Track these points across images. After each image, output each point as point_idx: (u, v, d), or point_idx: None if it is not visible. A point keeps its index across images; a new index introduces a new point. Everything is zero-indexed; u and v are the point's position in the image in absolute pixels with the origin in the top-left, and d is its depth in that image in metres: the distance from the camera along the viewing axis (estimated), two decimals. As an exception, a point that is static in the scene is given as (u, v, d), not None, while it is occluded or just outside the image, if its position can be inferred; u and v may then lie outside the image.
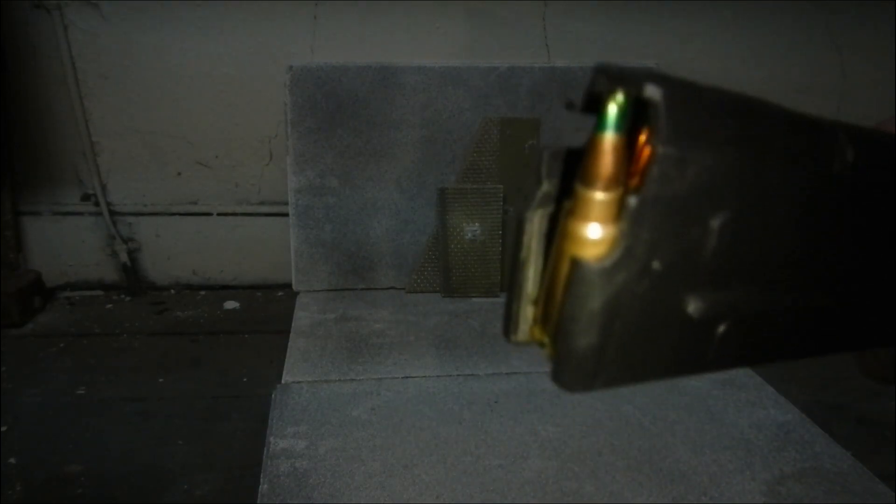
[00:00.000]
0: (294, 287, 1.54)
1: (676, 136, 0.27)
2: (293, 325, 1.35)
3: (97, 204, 1.97)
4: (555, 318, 0.32)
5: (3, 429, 1.37)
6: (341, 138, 1.50)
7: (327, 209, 1.51)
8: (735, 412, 1.06)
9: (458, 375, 1.15)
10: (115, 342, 1.75)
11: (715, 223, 0.30)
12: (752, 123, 0.30)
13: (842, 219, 0.35)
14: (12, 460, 1.27)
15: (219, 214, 2.03)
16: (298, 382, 1.12)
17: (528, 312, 0.34)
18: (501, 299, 1.48)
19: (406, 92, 1.50)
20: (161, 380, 1.57)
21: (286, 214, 1.57)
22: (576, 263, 0.29)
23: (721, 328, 0.33)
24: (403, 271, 1.54)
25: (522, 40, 1.95)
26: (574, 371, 0.31)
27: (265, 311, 1.95)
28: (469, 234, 1.47)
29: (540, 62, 1.82)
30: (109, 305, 1.97)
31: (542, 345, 0.34)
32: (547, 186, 0.33)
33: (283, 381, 1.13)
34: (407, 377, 1.15)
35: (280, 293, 2.05)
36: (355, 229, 1.53)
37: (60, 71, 1.86)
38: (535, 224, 0.33)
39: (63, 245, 2.01)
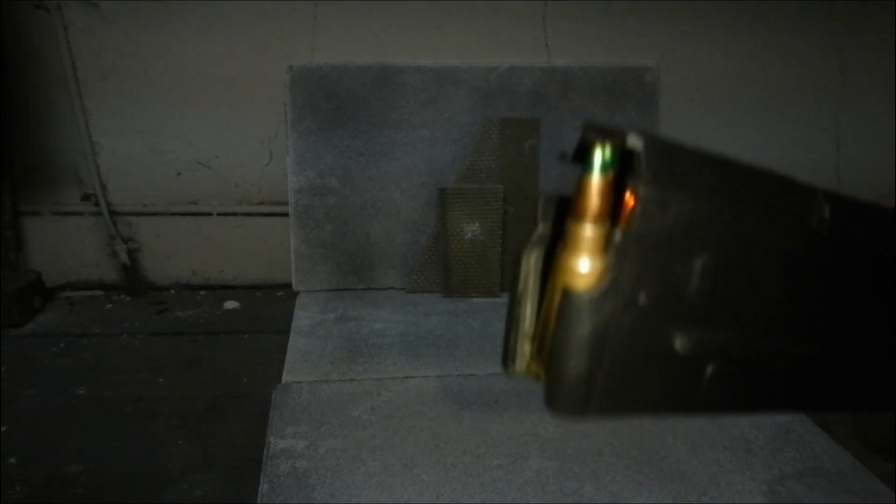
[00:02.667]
0: (294, 287, 1.53)
1: (657, 179, 0.30)
2: (293, 325, 1.35)
3: (97, 204, 1.97)
4: (548, 347, 0.34)
5: (4, 429, 1.37)
6: (341, 138, 1.50)
7: (327, 209, 1.51)
8: (735, 412, 1.05)
9: (458, 375, 1.15)
10: (115, 342, 1.75)
11: (697, 263, 0.33)
12: (730, 176, 0.33)
13: (822, 272, 0.37)
14: (12, 460, 1.27)
15: (219, 214, 2.03)
16: (298, 382, 1.12)
17: (525, 347, 0.36)
18: (501, 299, 1.48)
19: (406, 92, 1.50)
20: (161, 380, 1.57)
21: (286, 214, 1.56)
22: (565, 293, 0.31)
23: (710, 369, 0.35)
24: (403, 271, 1.54)
25: (522, 40, 1.95)
26: (565, 396, 0.32)
27: (265, 311, 1.95)
28: (469, 234, 1.47)
29: (540, 62, 1.82)
30: (109, 305, 1.97)
31: (538, 377, 0.36)
32: (542, 228, 0.36)
33: (283, 381, 1.13)
34: (407, 377, 1.14)
35: (280, 293, 2.05)
36: (355, 229, 1.52)
37: (60, 71, 1.86)
38: (532, 261, 0.35)
39: (63, 245, 2.01)
